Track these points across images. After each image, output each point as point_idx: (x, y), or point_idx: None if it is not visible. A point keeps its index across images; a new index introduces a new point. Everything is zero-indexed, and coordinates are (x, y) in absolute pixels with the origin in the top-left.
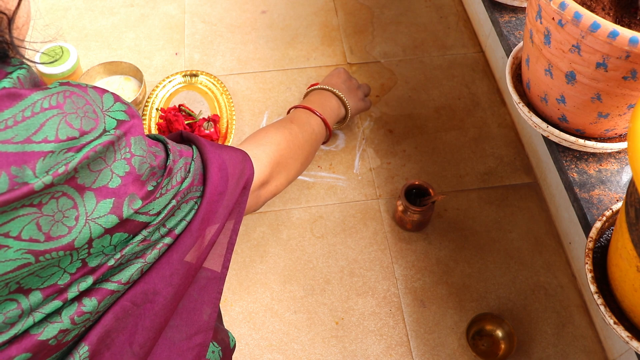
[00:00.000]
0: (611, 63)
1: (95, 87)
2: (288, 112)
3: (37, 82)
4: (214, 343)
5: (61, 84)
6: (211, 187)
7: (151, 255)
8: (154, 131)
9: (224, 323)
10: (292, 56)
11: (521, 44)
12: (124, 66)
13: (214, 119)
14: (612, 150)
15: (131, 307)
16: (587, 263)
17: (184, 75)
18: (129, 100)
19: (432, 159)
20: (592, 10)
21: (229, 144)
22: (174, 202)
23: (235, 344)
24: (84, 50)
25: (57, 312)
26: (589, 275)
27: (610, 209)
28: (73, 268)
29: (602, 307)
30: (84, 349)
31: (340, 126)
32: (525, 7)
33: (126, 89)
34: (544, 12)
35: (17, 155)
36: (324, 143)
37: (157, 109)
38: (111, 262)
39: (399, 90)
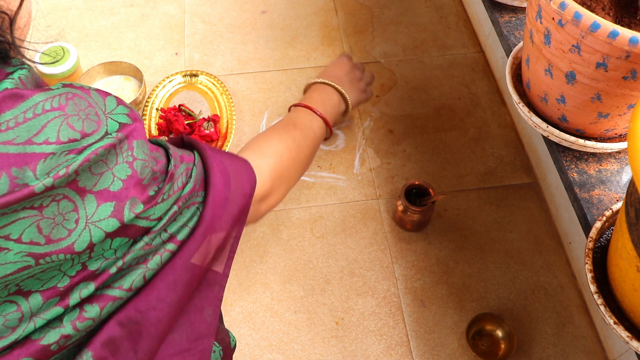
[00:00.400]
0: (611, 63)
1: (98, 90)
2: (289, 109)
3: (39, 83)
4: (215, 343)
5: (64, 85)
6: (214, 193)
7: (153, 261)
8: (154, 131)
9: (225, 323)
10: (292, 56)
11: (521, 44)
12: (124, 66)
13: (214, 119)
14: (612, 150)
15: (135, 314)
16: (587, 263)
17: (184, 75)
18: (129, 101)
19: (432, 159)
20: (592, 10)
21: (229, 144)
22: (175, 207)
23: (235, 344)
24: (84, 50)
25: (59, 317)
26: (589, 275)
27: (610, 209)
28: (73, 271)
29: (602, 307)
30: (87, 355)
31: (342, 119)
32: (525, 7)
33: (126, 89)
34: (544, 12)
35: (18, 157)
36: (324, 140)
37: (157, 109)
38: (113, 270)
39: (399, 90)
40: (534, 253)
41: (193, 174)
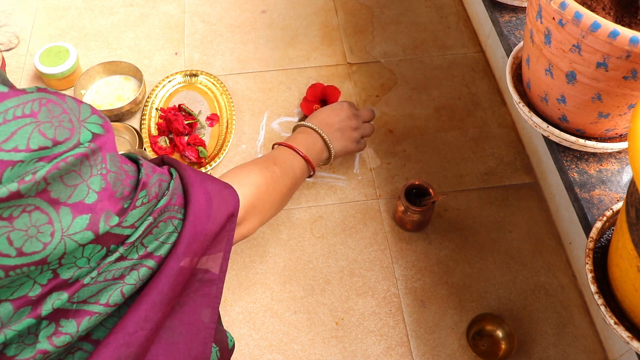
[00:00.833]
0: (612, 63)
1: (73, 97)
2: (272, 146)
3: (6, 81)
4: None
5: (39, 89)
6: (195, 210)
7: (130, 276)
8: (154, 131)
9: (224, 323)
10: (292, 56)
11: (521, 43)
12: (124, 66)
13: (214, 119)
14: (613, 150)
15: (125, 338)
16: (587, 263)
17: (184, 75)
18: (129, 100)
19: (432, 159)
20: (592, 10)
21: (228, 144)
22: (150, 218)
23: (234, 345)
24: (83, 50)
25: (34, 332)
26: (590, 276)
27: (611, 209)
28: (44, 279)
29: (602, 308)
30: None
31: (325, 165)
32: (525, 7)
33: (126, 88)
34: (545, 12)
35: None
36: (308, 177)
37: (156, 109)
38: (87, 280)
39: (399, 90)
40: (534, 253)
41: (170, 187)
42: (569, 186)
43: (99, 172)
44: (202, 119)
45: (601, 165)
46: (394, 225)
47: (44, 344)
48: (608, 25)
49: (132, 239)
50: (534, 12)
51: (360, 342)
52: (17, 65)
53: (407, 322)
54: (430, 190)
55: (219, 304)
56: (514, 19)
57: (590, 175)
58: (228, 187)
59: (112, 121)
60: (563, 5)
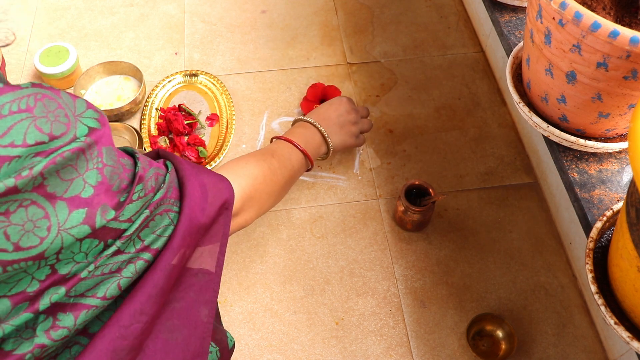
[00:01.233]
0: (612, 63)
1: (68, 92)
2: (271, 140)
3: (1, 78)
4: (212, 343)
5: (33, 85)
6: (191, 203)
7: (127, 269)
8: (154, 131)
9: (224, 323)
10: (292, 56)
11: (521, 43)
12: (124, 66)
13: (214, 119)
14: (613, 150)
15: (120, 331)
16: (587, 263)
17: (184, 75)
18: (129, 100)
19: (432, 159)
20: (592, 10)
21: (228, 144)
22: (147, 211)
23: (234, 344)
24: (83, 50)
25: (31, 326)
26: (590, 276)
27: (611, 209)
28: (42, 275)
29: (602, 308)
30: None
31: (323, 159)
32: (525, 7)
33: (126, 88)
34: (545, 12)
35: None
36: (306, 171)
37: (156, 109)
38: (84, 274)
39: (399, 90)
40: (534, 253)
41: (166, 180)
42: (569, 186)
43: (95, 166)
44: (202, 119)
45: (601, 165)
46: (394, 225)
47: (41, 338)
48: (608, 25)
49: (128, 233)
50: (534, 12)
51: (360, 342)
52: (17, 65)
53: (407, 322)
54: (430, 190)
55: (217, 298)
56: (514, 18)
57: (590, 175)
58: (223, 179)
59: (112, 121)
60: (563, 5)
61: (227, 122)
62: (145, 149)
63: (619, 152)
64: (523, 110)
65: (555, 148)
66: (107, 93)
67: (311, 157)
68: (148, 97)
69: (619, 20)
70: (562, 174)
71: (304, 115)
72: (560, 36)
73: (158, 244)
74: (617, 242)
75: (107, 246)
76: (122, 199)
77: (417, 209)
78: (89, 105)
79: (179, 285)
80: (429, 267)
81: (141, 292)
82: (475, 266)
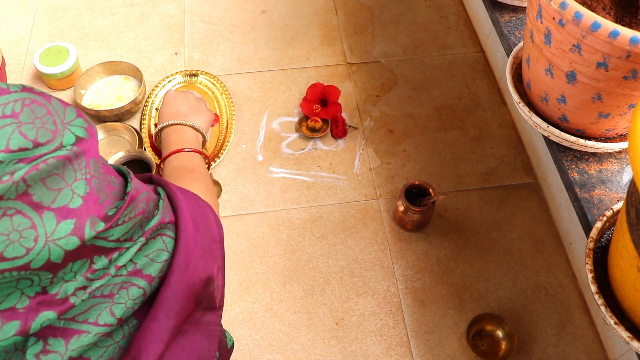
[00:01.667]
0: (612, 63)
1: (59, 99)
2: (160, 164)
3: None
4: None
5: (24, 89)
6: (185, 236)
7: (119, 295)
8: (154, 131)
9: (223, 323)
10: (292, 56)
11: (521, 43)
12: (124, 66)
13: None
14: (613, 150)
15: None
16: (587, 263)
17: (184, 75)
18: (129, 100)
19: (432, 159)
20: (592, 10)
21: (228, 144)
22: (142, 239)
23: (233, 344)
24: (83, 50)
25: (21, 349)
26: (590, 276)
27: (611, 209)
28: (32, 292)
29: (602, 308)
30: None
31: (205, 145)
32: (525, 7)
33: (126, 88)
34: (545, 12)
35: None
36: (209, 166)
37: (156, 109)
38: (73, 299)
39: (399, 90)
40: (534, 253)
41: (160, 206)
42: (569, 186)
43: (83, 177)
44: None
45: (601, 165)
46: (394, 225)
47: None
48: (608, 25)
49: (122, 262)
50: (534, 12)
51: (360, 342)
52: (17, 65)
53: (407, 322)
54: (430, 190)
55: (219, 333)
56: (514, 19)
57: (590, 175)
58: (211, 211)
59: (111, 121)
60: (563, 5)
61: (227, 122)
62: (145, 149)
63: (619, 152)
64: (523, 110)
65: (555, 148)
66: (107, 93)
67: (203, 152)
68: (148, 97)
69: (619, 20)
70: (562, 174)
71: (305, 116)
72: (560, 36)
73: (151, 270)
74: (617, 242)
75: (93, 263)
76: (110, 212)
77: (417, 209)
78: (79, 114)
79: (186, 319)
80: (429, 267)
81: (143, 338)
82: (475, 266)
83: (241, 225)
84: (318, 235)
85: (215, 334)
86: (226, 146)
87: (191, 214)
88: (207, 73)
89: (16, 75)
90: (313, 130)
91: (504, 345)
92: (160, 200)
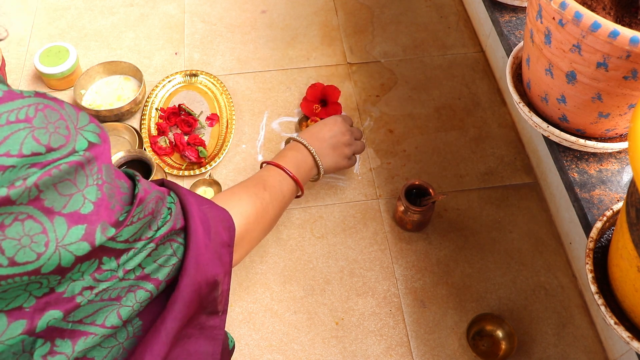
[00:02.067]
0: (612, 63)
1: (72, 104)
2: (261, 165)
3: (2, 82)
4: None
5: (37, 94)
6: (196, 241)
7: (126, 298)
8: (154, 131)
9: None
10: (292, 56)
11: (521, 43)
12: (124, 66)
13: (214, 119)
14: (613, 150)
15: None
16: (587, 263)
17: (184, 75)
18: (129, 100)
19: (432, 159)
20: (592, 10)
21: (228, 144)
22: (152, 245)
23: (234, 345)
24: (83, 50)
25: (28, 351)
26: (590, 276)
27: (611, 209)
28: (40, 292)
29: (602, 308)
30: None
31: (314, 181)
32: (525, 7)
33: (126, 88)
34: (545, 12)
35: None
36: (296, 197)
37: (156, 109)
38: (79, 299)
39: (399, 90)
40: (534, 253)
41: (173, 211)
42: (569, 186)
43: (95, 182)
44: (202, 119)
45: (601, 165)
46: (394, 225)
47: None
48: (608, 25)
49: (130, 266)
50: (534, 12)
51: (360, 342)
52: (17, 65)
53: (407, 322)
54: (430, 190)
55: (223, 337)
56: (514, 18)
57: (590, 175)
58: (224, 214)
59: (111, 121)
60: (563, 5)
61: (227, 122)
62: (145, 149)
63: (619, 152)
64: (523, 110)
65: (555, 148)
66: (107, 93)
67: (302, 185)
68: (148, 97)
69: (619, 20)
70: (562, 174)
71: (305, 116)
72: (560, 36)
73: (159, 274)
74: (617, 242)
75: (102, 263)
76: (121, 218)
77: (417, 209)
78: (92, 120)
79: (188, 323)
80: (429, 267)
81: (146, 346)
82: (475, 266)
83: None
84: (318, 235)
85: (219, 338)
86: (226, 146)
87: (201, 218)
88: (207, 73)
89: (16, 75)
90: None
91: (504, 345)
92: (173, 205)
